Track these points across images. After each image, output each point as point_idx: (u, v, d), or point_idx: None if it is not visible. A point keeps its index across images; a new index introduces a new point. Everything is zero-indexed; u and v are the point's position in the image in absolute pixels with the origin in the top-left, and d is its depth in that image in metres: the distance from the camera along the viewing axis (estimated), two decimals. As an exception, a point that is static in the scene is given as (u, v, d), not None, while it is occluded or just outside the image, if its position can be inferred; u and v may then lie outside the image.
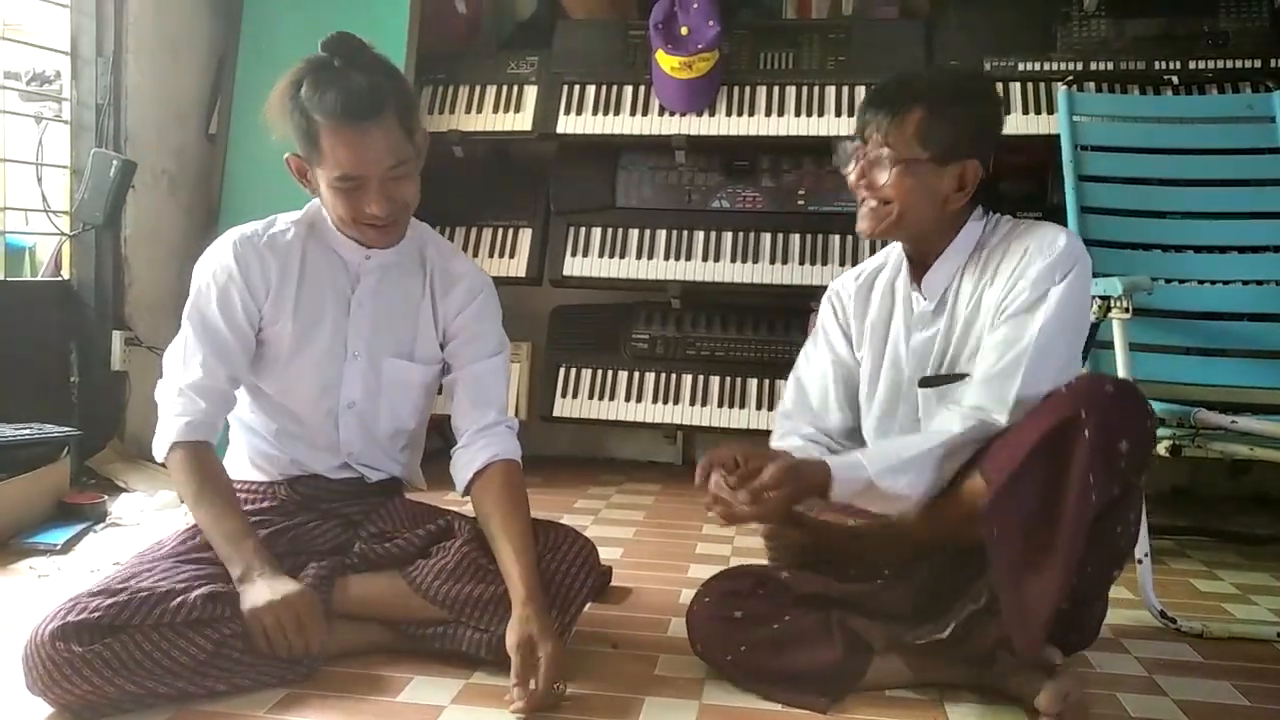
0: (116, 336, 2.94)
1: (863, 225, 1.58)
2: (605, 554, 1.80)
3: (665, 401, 3.11)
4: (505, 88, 3.21)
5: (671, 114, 3.08)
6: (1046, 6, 2.99)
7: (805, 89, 3.06)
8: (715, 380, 3.11)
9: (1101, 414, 1.35)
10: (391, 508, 1.70)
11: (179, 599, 1.38)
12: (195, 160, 3.27)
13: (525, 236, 3.21)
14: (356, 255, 1.65)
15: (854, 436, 1.69)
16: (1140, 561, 1.92)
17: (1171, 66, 2.87)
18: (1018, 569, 1.37)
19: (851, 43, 3.08)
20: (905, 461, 1.44)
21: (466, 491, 1.64)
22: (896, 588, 1.55)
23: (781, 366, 1.80)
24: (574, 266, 3.13)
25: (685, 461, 3.47)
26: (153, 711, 1.36)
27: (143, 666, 1.34)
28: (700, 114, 3.07)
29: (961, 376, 1.54)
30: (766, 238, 3.07)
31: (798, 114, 3.03)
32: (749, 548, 2.33)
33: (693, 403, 3.09)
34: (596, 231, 3.15)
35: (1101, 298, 2.03)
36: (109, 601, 1.35)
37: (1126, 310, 1.99)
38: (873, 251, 2.90)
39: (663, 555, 2.32)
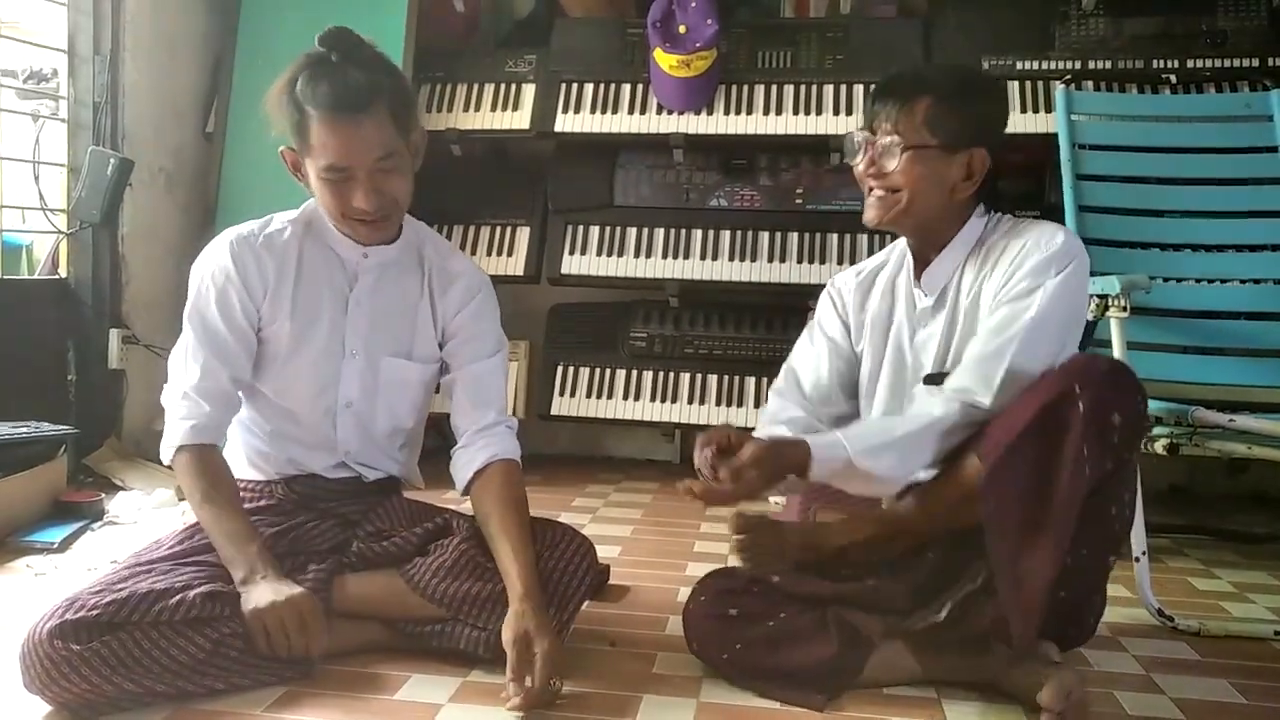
0: (114, 335, 2.94)
1: (870, 215, 1.60)
2: (603, 552, 1.80)
3: (663, 400, 3.11)
4: (503, 86, 3.21)
5: (669, 112, 3.08)
6: (1045, 5, 2.99)
7: (803, 88, 3.06)
8: (713, 379, 3.11)
9: (1095, 388, 1.37)
10: (389, 506, 1.70)
11: (177, 597, 1.38)
12: (192, 159, 3.27)
13: (523, 235, 3.21)
14: (354, 254, 1.65)
15: (846, 423, 1.68)
16: (1138, 560, 1.92)
17: (1169, 65, 2.87)
18: (1014, 545, 1.37)
19: (849, 41, 3.08)
20: (886, 443, 1.45)
21: (466, 491, 1.64)
22: (892, 583, 1.54)
23: (779, 365, 1.80)
24: (572, 265, 3.13)
25: (683, 460, 3.46)
26: (150, 710, 1.36)
27: (140, 665, 1.33)
28: (698, 112, 3.07)
29: None
30: (764, 236, 3.07)
31: (796, 113, 3.04)
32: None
33: (690, 401, 3.09)
34: (594, 230, 3.15)
35: (1099, 296, 2.04)
36: (107, 599, 1.34)
37: (1124, 309, 1.99)
38: (871, 250, 2.94)
39: (660, 554, 2.32)
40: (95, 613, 1.33)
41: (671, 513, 2.74)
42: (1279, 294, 2.38)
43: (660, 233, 3.12)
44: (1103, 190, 2.46)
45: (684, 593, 1.62)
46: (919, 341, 1.63)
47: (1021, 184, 2.91)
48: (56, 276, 2.94)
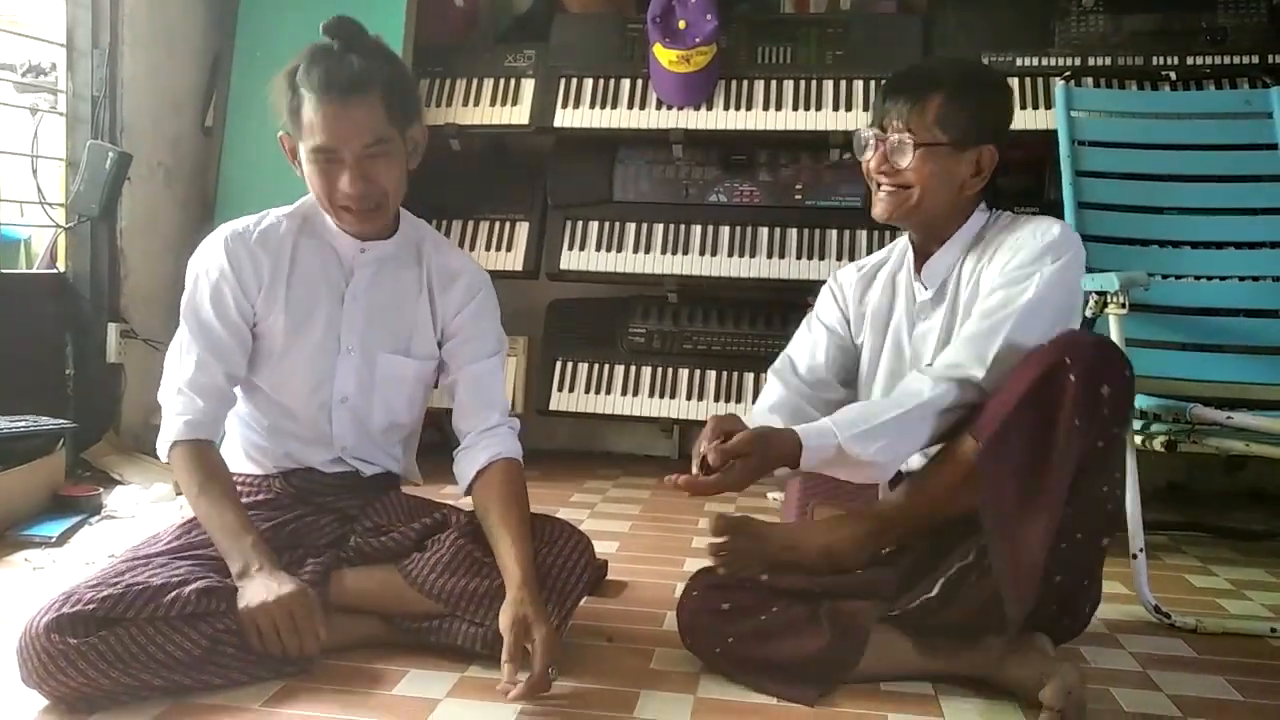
0: (112, 329, 2.94)
1: (879, 209, 1.62)
2: (601, 548, 1.80)
3: (662, 396, 3.11)
4: (502, 81, 3.20)
5: (669, 108, 3.08)
6: (1044, 2, 2.99)
7: (803, 83, 3.06)
8: (712, 375, 3.11)
9: (1085, 361, 1.38)
10: (387, 502, 1.70)
11: (173, 593, 1.38)
12: (191, 153, 3.26)
13: (522, 230, 3.20)
14: (351, 249, 1.64)
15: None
16: (1135, 556, 1.92)
17: (1169, 62, 2.87)
18: (1010, 519, 1.38)
19: (849, 37, 3.08)
20: (876, 427, 1.45)
21: (469, 491, 1.64)
22: (882, 572, 1.54)
23: (778, 361, 1.80)
24: (571, 260, 3.13)
25: (681, 456, 3.47)
26: (147, 704, 1.36)
27: (137, 660, 1.33)
28: (698, 108, 3.06)
29: None
30: (764, 232, 3.07)
31: (795, 108, 3.03)
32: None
33: (689, 397, 3.09)
34: (593, 225, 3.15)
35: (1098, 293, 2.04)
36: (104, 594, 1.34)
37: (1123, 305, 1.99)
38: (870, 245, 2.95)
39: (658, 549, 2.32)
40: (91, 607, 1.33)
41: (669, 508, 2.74)
42: (1278, 291, 2.38)
43: (659, 228, 3.12)
44: (1102, 187, 2.46)
45: (681, 588, 1.63)
46: (918, 334, 1.65)
47: (1021, 180, 2.91)
48: (55, 270, 2.94)
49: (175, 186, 3.21)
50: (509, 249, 3.18)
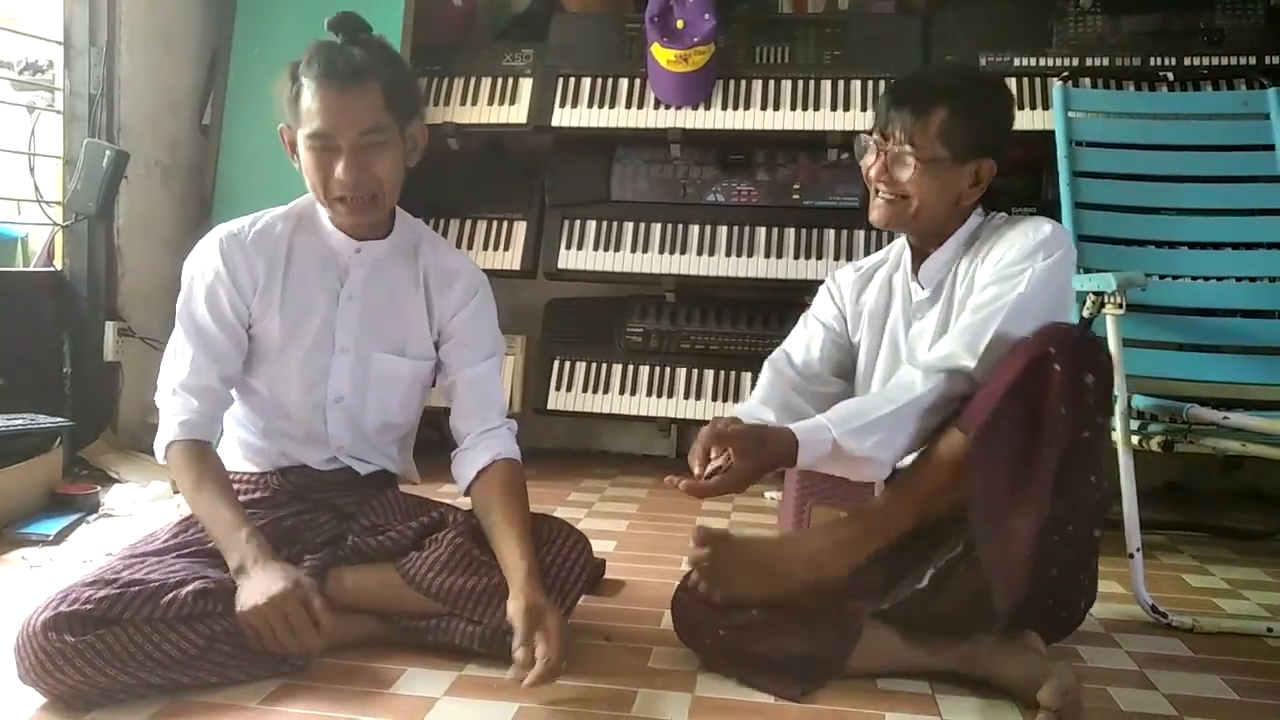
0: (109, 327, 2.93)
1: (876, 215, 1.63)
2: (598, 547, 1.80)
3: (659, 395, 3.11)
4: (500, 80, 3.20)
5: (667, 107, 3.08)
6: (1043, 2, 2.99)
7: (801, 83, 3.06)
8: (709, 374, 3.11)
9: (1069, 351, 1.40)
10: (384, 500, 1.70)
11: (170, 594, 1.37)
12: (188, 151, 3.26)
13: (520, 229, 3.20)
14: (346, 248, 1.64)
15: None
16: (1132, 556, 1.92)
17: (1167, 63, 2.88)
18: (1000, 510, 1.39)
19: (848, 37, 3.08)
20: (870, 422, 1.45)
21: (468, 491, 1.65)
22: (870, 570, 1.54)
23: (776, 361, 1.81)
24: (569, 259, 3.12)
25: (679, 455, 3.47)
26: (144, 702, 1.36)
27: (134, 659, 1.33)
28: (696, 107, 3.06)
29: None
30: (761, 232, 3.07)
31: (793, 108, 3.03)
32: (742, 541, 2.33)
33: (687, 396, 3.09)
34: (591, 224, 3.15)
35: (1095, 293, 2.04)
36: (101, 594, 1.34)
37: (1120, 306, 2.00)
38: (867, 245, 2.95)
39: (656, 549, 2.32)
40: (89, 607, 1.33)
41: (667, 508, 2.74)
42: (1274, 292, 2.39)
43: (657, 228, 3.12)
44: (1100, 187, 2.47)
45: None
46: (914, 334, 1.66)
47: (1018, 181, 2.91)
48: (52, 269, 2.94)
49: (173, 185, 3.20)
50: (506, 248, 3.18)
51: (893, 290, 1.72)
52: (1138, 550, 1.92)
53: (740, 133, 3.05)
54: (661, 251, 3.09)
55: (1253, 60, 2.83)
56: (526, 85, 3.18)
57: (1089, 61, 2.92)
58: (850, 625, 1.50)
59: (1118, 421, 1.97)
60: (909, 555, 1.53)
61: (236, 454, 1.70)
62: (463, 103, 3.19)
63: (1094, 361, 1.43)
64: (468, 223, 3.22)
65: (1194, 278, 2.42)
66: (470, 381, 1.69)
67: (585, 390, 3.15)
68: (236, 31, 3.18)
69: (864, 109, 2.98)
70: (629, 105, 3.11)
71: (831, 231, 3.04)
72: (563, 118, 3.12)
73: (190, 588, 1.39)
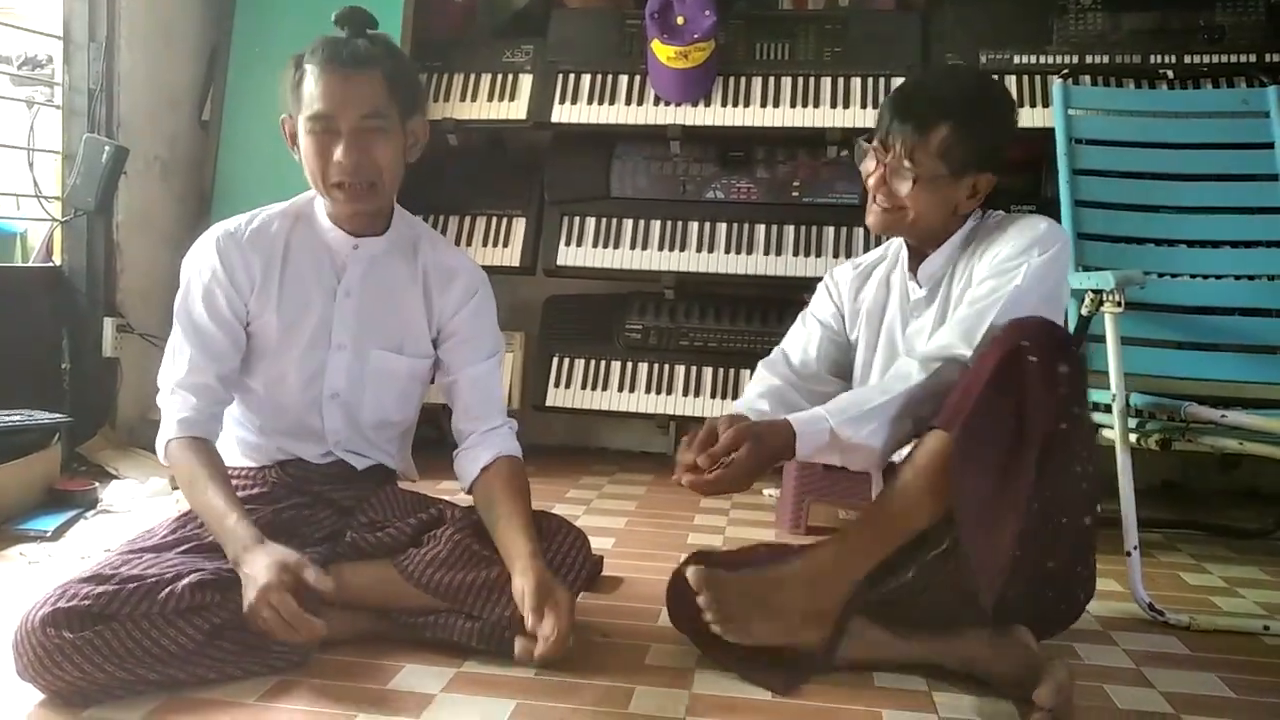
0: (108, 323, 2.93)
1: (873, 222, 1.65)
2: (597, 544, 1.80)
3: (658, 392, 3.11)
4: (500, 76, 3.20)
5: (667, 104, 3.07)
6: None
7: (801, 80, 3.06)
8: (708, 371, 3.11)
9: (1040, 342, 1.41)
10: (383, 496, 1.70)
11: (167, 589, 1.37)
12: (188, 147, 3.26)
13: (519, 226, 3.20)
14: (344, 245, 1.64)
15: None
16: (1129, 554, 1.92)
17: (1167, 61, 2.88)
18: (986, 506, 1.39)
19: (848, 34, 3.08)
20: (867, 411, 1.46)
21: (470, 490, 1.65)
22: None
23: (775, 358, 1.81)
24: (568, 256, 3.12)
25: (678, 452, 3.46)
26: (143, 698, 1.36)
27: (132, 655, 1.33)
28: (696, 104, 3.06)
29: None
30: (761, 229, 3.07)
31: (793, 105, 3.03)
32: (741, 539, 2.33)
33: (685, 393, 3.09)
34: (590, 221, 3.15)
35: (1094, 292, 2.04)
36: (99, 590, 1.34)
37: (1119, 304, 2.00)
38: (866, 243, 2.95)
39: (654, 545, 2.32)
40: (87, 603, 1.33)
41: (665, 505, 2.74)
42: (1273, 290, 2.39)
43: (656, 224, 3.11)
44: (1099, 185, 2.47)
45: (678, 584, 1.63)
46: (911, 332, 1.67)
47: (1018, 179, 2.90)
48: (51, 264, 2.94)
49: (172, 181, 3.20)
50: (506, 245, 3.18)
51: (890, 288, 1.73)
52: (1135, 548, 1.92)
53: (740, 129, 3.05)
54: (661, 248, 3.09)
55: (1253, 58, 2.83)
56: (526, 81, 3.18)
57: (1089, 59, 2.91)
58: (838, 620, 1.50)
59: (1115, 419, 1.97)
60: (895, 552, 1.53)
61: (234, 451, 1.71)
62: (462, 99, 3.19)
63: (1066, 351, 1.44)
64: (467, 219, 3.22)
65: (1193, 276, 2.42)
66: (472, 381, 1.69)
67: (584, 387, 3.15)
68: (236, 27, 3.18)
69: (864, 106, 2.98)
70: (629, 102, 3.10)
71: (831, 229, 3.04)
72: (562, 114, 3.11)
73: (187, 580, 1.39)
